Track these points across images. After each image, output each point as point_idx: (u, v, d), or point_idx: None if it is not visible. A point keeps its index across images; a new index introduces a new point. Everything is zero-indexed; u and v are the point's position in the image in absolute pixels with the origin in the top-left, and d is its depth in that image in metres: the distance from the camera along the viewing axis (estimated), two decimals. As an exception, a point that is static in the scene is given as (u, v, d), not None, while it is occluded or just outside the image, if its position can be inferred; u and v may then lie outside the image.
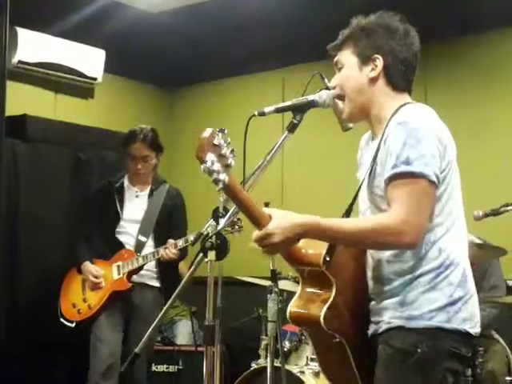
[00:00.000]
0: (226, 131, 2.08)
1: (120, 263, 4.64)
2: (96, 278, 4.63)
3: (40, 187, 5.34)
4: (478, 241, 4.08)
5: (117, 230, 4.73)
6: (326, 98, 2.38)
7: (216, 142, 2.05)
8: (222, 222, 2.35)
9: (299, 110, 2.37)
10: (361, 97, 2.39)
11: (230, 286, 3.52)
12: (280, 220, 2.16)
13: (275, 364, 2.90)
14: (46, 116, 5.79)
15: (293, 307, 2.40)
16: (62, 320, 4.68)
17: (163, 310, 2.57)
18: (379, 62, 2.37)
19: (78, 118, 6.04)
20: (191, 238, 4.40)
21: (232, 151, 2.08)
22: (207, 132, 2.05)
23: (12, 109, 5.04)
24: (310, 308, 2.34)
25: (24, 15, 5.14)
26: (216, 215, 2.43)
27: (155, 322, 2.51)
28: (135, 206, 4.78)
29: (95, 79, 6.14)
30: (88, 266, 4.68)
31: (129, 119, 6.41)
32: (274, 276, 3.92)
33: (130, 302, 4.66)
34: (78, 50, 5.94)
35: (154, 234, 4.73)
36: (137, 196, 4.80)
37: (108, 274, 4.65)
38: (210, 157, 2.03)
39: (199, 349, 4.07)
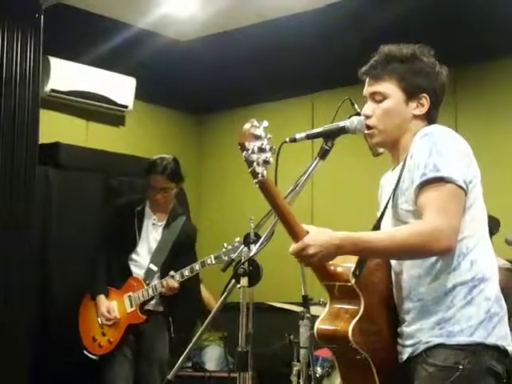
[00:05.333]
0: (267, 124, 2.08)
1: (131, 294, 4.68)
2: (109, 319, 4.66)
3: (72, 213, 5.38)
4: (508, 265, 4.03)
5: (131, 256, 4.77)
6: (358, 124, 2.38)
7: (258, 132, 2.06)
8: (255, 248, 2.34)
9: (330, 136, 2.37)
10: (399, 131, 2.41)
11: (261, 312, 3.51)
12: (318, 233, 2.21)
13: (307, 390, 2.88)
14: (77, 143, 5.87)
15: (320, 324, 2.37)
16: (85, 352, 4.71)
17: (195, 337, 2.55)
18: (426, 101, 2.40)
19: (109, 145, 6.12)
20: (186, 272, 4.54)
21: (271, 148, 2.08)
22: (248, 124, 2.07)
23: (45, 136, 5.15)
24: (338, 323, 2.31)
25: (56, 45, 5.25)
26: (247, 241, 2.43)
27: (187, 350, 2.50)
28: (150, 236, 4.82)
29: (126, 107, 6.22)
30: (101, 302, 4.69)
31: (159, 146, 6.46)
32: (306, 302, 3.91)
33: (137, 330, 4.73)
34: (108, 78, 6.03)
35: (163, 265, 4.77)
36: (153, 224, 4.82)
37: (121, 306, 4.69)
38: (252, 145, 2.04)
39: (232, 375, 4.06)
